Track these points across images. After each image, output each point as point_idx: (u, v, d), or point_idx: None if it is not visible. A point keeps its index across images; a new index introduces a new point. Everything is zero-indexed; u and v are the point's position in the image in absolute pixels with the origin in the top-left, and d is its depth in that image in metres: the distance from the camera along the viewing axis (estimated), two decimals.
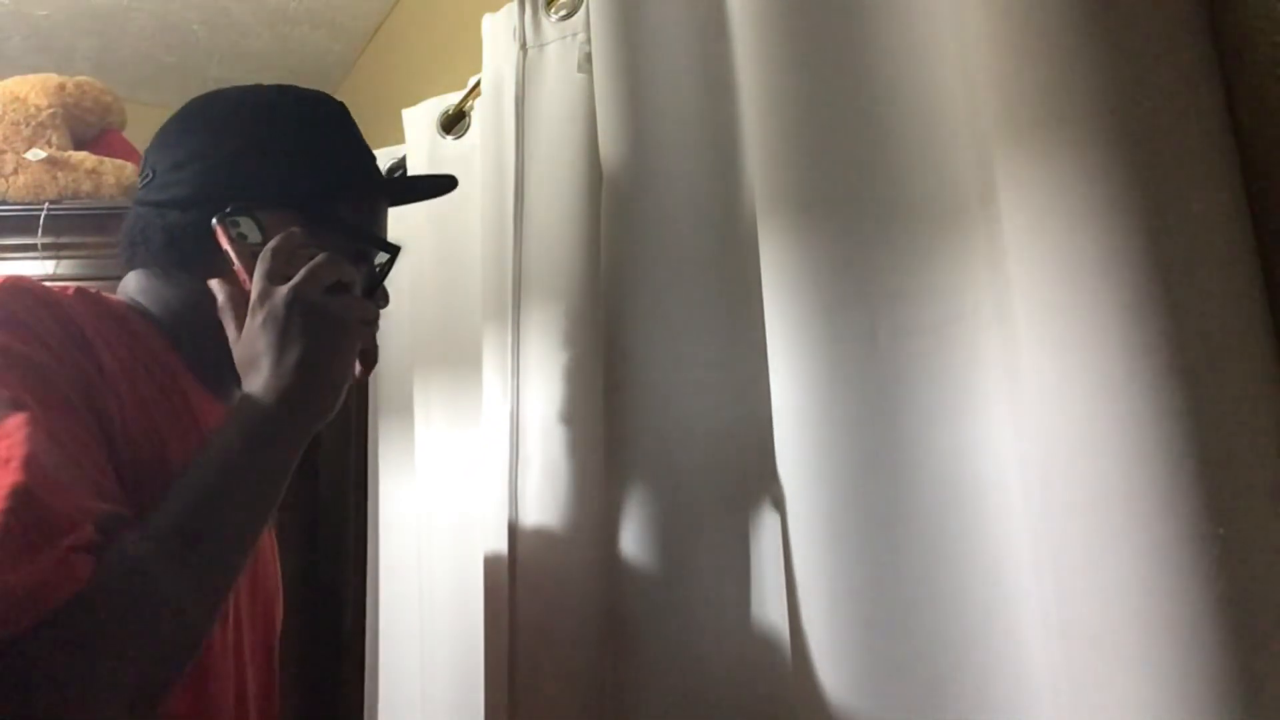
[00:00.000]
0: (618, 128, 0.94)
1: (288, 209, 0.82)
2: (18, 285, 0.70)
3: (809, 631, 0.72)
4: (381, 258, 0.90)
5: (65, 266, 1.62)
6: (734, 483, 0.87)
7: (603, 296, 0.95)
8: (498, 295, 1.13)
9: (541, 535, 1.01)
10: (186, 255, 0.81)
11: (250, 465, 0.69)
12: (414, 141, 1.45)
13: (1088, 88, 0.56)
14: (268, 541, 0.93)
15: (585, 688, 0.95)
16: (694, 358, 0.89)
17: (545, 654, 0.99)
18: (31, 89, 1.72)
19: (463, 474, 1.27)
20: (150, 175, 0.85)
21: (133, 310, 0.81)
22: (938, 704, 0.65)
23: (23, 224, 1.62)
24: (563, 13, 1.12)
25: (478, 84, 1.29)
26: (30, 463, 0.58)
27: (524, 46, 1.13)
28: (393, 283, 1.52)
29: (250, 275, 0.76)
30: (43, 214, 1.61)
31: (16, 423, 0.60)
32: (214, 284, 0.78)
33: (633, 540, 0.89)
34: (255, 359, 0.72)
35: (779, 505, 0.76)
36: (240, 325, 0.75)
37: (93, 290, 0.78)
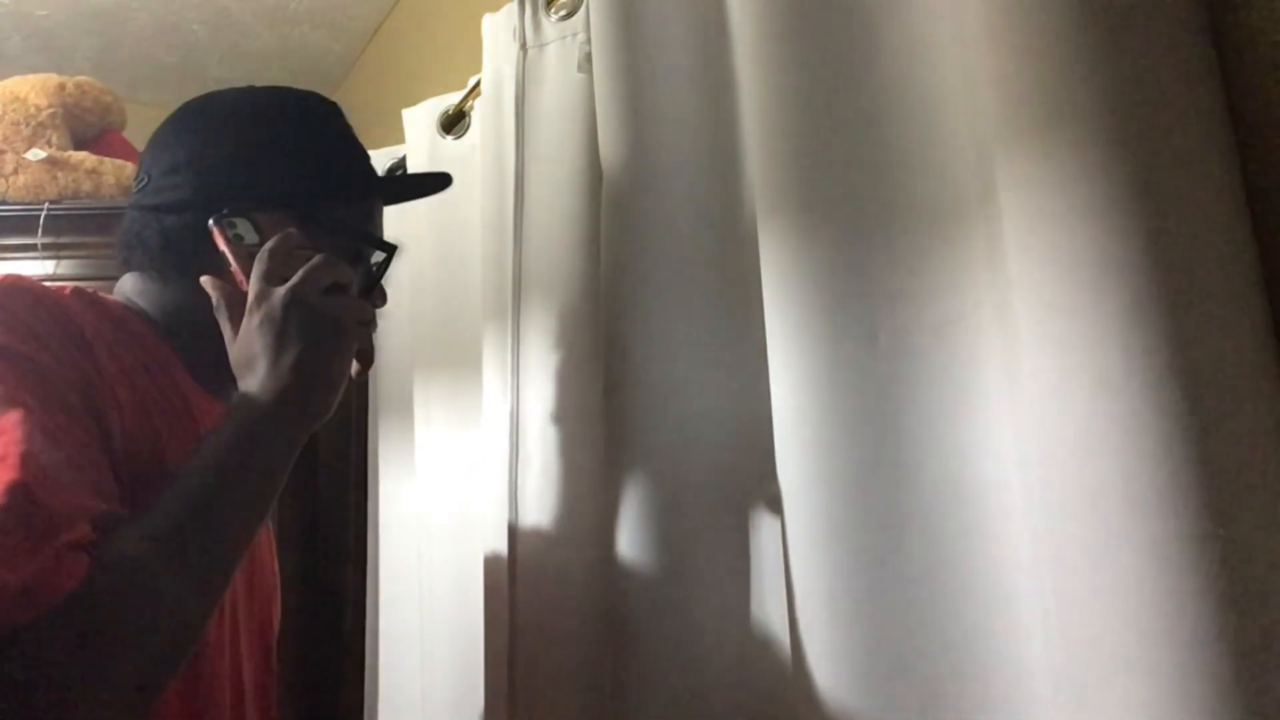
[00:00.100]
0: (618, 128, 0.94)
1: (283, 210, 0.82)
2: (16, 284, 0.70)
3: (809, 631, 0.72)
4: (378, 257, 0.90)
5: (65, 266, 1.62)
6: (734, 482, 0.87)
7: (603, 296, 0.95)
8: (498, 295, 1.13)
9: (541, 535, 1.01)
10: (183, 257, 0.82)
11: (246, 464, 0.69)
12: (414, 141, 1.45)
13: (1088, 88, 0.56)
14: (265, 540, 0.93)
15: (585, 687, 0.95)
16: (694, 357, 0.89)
17: (545, 654, 0.99)
18: (31, 89, 1.72)
19: (463, 474, 1.27)
20: (146, 178, 0.85)
21: (130, 311, 0.82)
22: (938, 704, 0.65)
23: (23, 224, 1.62)
24: (563, 13, 1.12)
25: (478, 84, 1.29)
26: (27, 460, 0.58)
27: (524, 46, 1.13)
28: (392, 283, 1.52)
29: (247, 276, 0.76)
30: (43, 214, 1.61)
31: (13, 420, 0.60)
32: (206, 281, 0.78)
33: (633, 540, 0.89)
34: (252, 359, 0.72)
35: (779, 505, 0.76)
36: (236, 325, 0.76)
37: (90, 290, 0.79)
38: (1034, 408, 0.59)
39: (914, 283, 0.70)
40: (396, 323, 1.51)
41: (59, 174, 1.65)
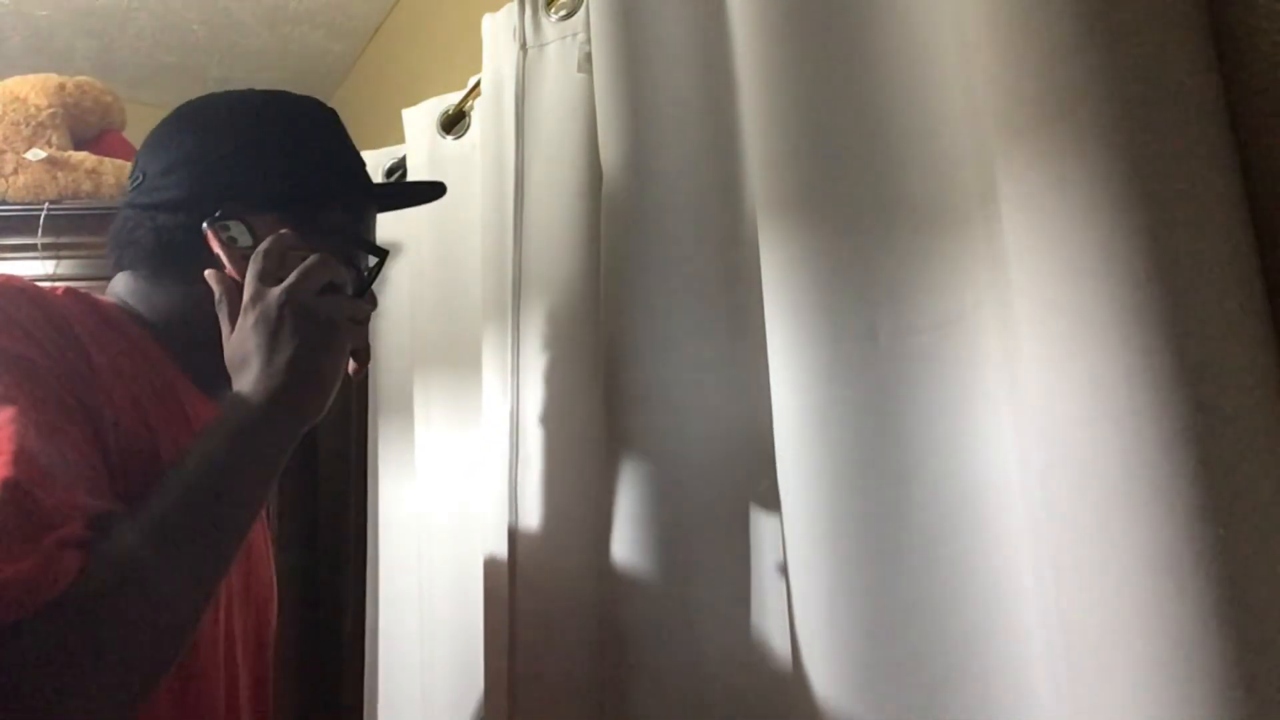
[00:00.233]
0: (618, 128, 0.94)
1: (277, 212, 0.82)
2: (9, 284, 0.71)
3: (809, 630, 0.72)
4: (371, 261, 0.91)
5: (65, 266, 1.62)
6: (734, 482, 0.87)
7: (603, 296, 0.95)
8: (498, 295, 1.13)
9: (541, 535, 1.01)
10: (176, 258, 0.82)
11: (238, 463, 0.69)
12: (414, 141, 1.45)
13: (1088, 87, 0.56)
14: (261, 540, 0.94)
15: (585, 687, 0.95)
16: (694, 357, 0.89)
17: (545, 653, 0.99)
18: (31, 89, 1.72)
19: (463, 474, 1.27)
20: (140, 178, 0.85)
21: (123, 311, 0.82)
22: (938, 705, 0.65)
23: (23, 224, 1.62)
24: (563, 13, 1.12)
25: (478, 84, 1.29)
26: (20, 457, 0.58)
27: (524, 46, 1.13)
28: (392, 283, 1.52)
29: (242, 278, 0.76)
30: (43, 214, 1.61)
31: (7, 418, 0.60)
32: (209, 275, 0.79)
33: (632, 540, 0.89)
34: (246, 358, 0.73)
35: (778, 505, 0.76)
36: (234, 322, 0.76)
37: (83, 291, 0.79)
38: (1034, 407, 0.59)
39: (914, 282, 0.70)
40: (396, 323, 1.51)
41: (59, 174, 1.65)
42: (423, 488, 1.35)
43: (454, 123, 1.41)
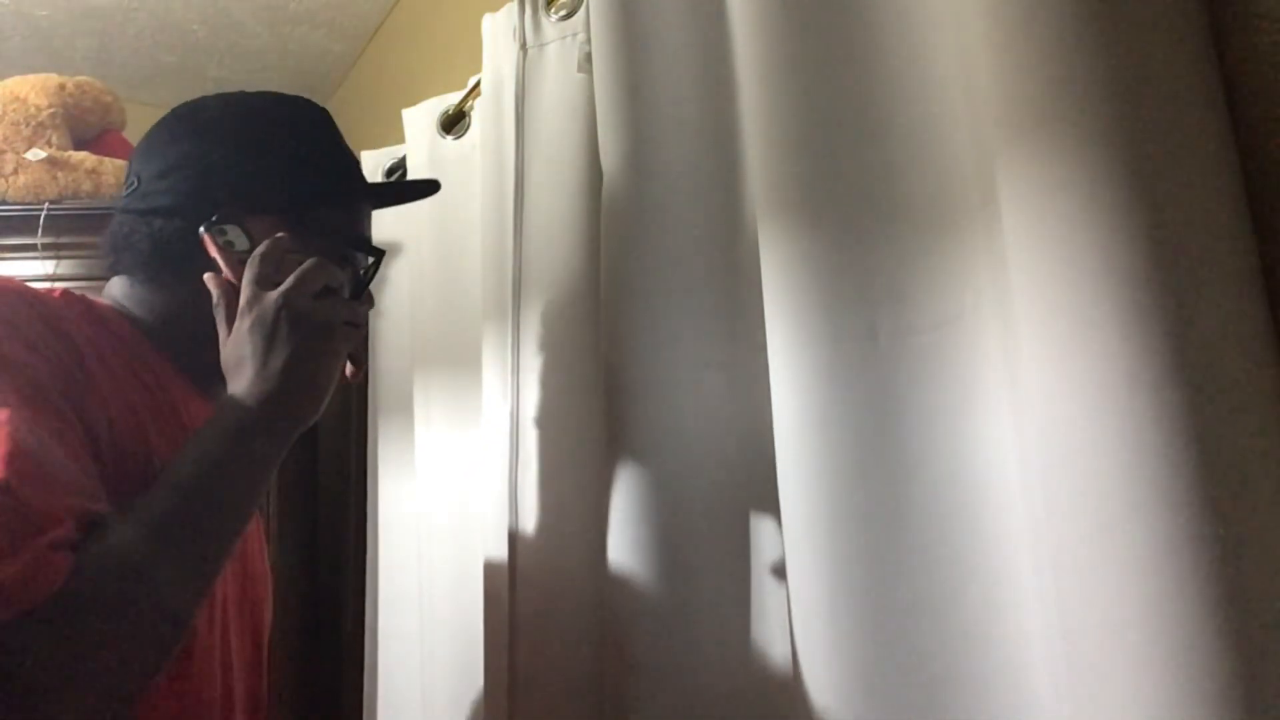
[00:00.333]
0: (617, 127, 0.94)
1: (273, 214, 0.83)
2: (3, 286, 0.71)
3: (809, 629, 0.72)
4: (367, 261, 0.91)
5: (65, 266, 1.62)
6: (733, 482, 0.87)
7: (603, 296, 0.95)
8: (498, 295, 1.13)
9: (541, 535, 1.01)
10: (173, 262, 0.82)
11: (231, 465, 0.70)
12: (414, 141, 1.45)
13: (1088, 88, 0.56)
14: (256, 542, 0.94)
15: (585, 687, 0.95)
16: (694, 357, 0.89)
17: (545, 653, 0.99)
18: (31, 89, 1.72)
19: (463, 474, 1.27)
20: (135, 183, 0.85)
21: (118, 313, 0.82)
22: (938, 705, 0.65)
23: (23, 224, 1.62)
24: (563, 13, 1.12)
25: (478, 84, 1.29)
26: (11, 459, 0.59)
27: (524, 46, 1.13)
28: (392, 283, 1.52)
29: (239, 282, 0.77)
30: (43, 214, 1.61)
31: None
32: (208, 278, 0.79)
33: (632, 540, 0.89)
34: (241, 361, 0.73)
35: (778, 504, 0.76)
36: (231, 326, 0.76)
37: (79, 293, 0.79)
38: (1034, 407, 0.59)
39: (914, 282, 0.70)
40: (396, 323, 1.51)
41: (59, 174, 1.65)
42: (423, 488, 1.35)
43: (454, 123, 1.41)
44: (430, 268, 1.37)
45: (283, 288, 0.74)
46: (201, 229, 0.80)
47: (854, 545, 0.69)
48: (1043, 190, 0.57)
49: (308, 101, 0.93)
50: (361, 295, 0.88)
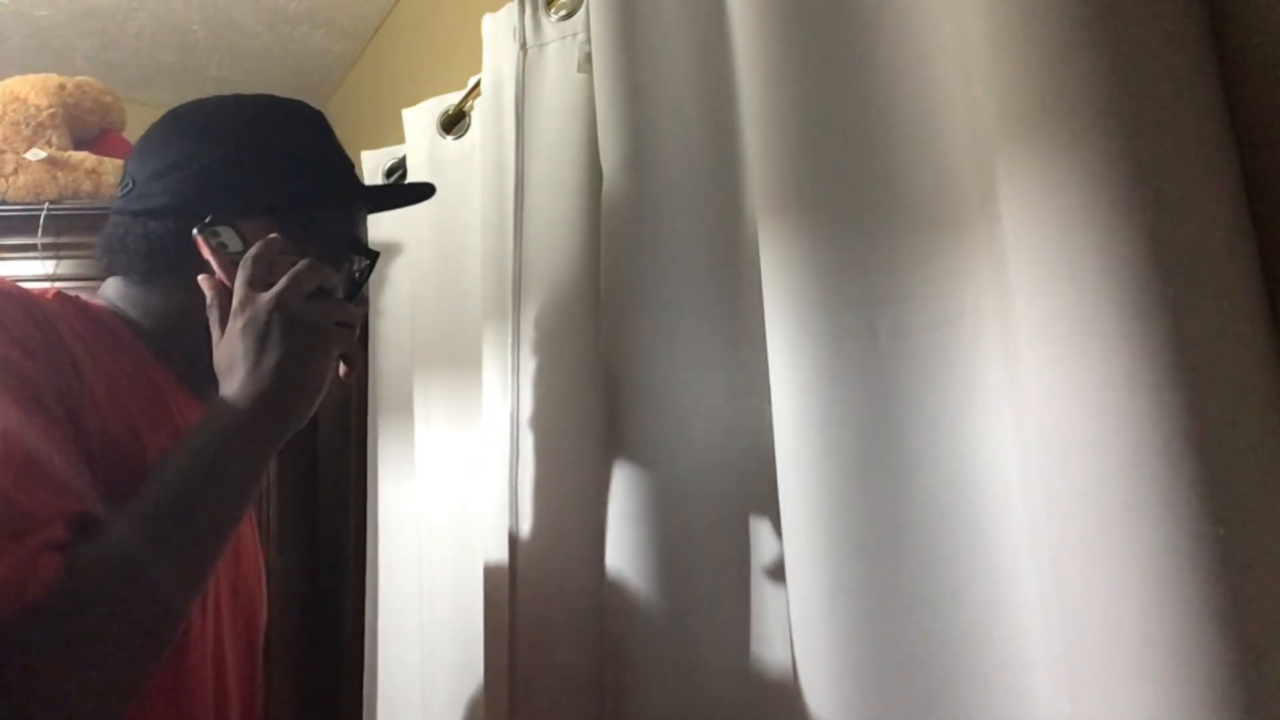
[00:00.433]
0: (617, 127, 0.94)
1: (266, 216, 0.83)
2: None
3: (809, 630, 0.72)
4: (361, 262, 0.91)
5: (65, 266, 1.62)
6: (733, 482, 0.87)
7: (603, 296, 0.95)
8: (498, 295, 1.13)
9: (541, 535, 1.01)
10: (166, 263, 0.83)
11: (221, 466, 0.70)
12: (414, 141, 1.45)
13: (1088, 88, 0.56)
14: (250, 540, 0.94)
15: (585, 687, 0.95)
16: (694, 357, 0.89)
17: (545, 653, 0.99)
18: (31, 89, 1.72)
19: (463, 474, 1.27)
20: (130, 184, 0.86)
21: (113, 315, 0.83)
22: (938, 705, 0.65)
23: (23, 224, 1.62)
24: (563, 13, 1.12)
25: (478, 84, 1.29)
26: (2, 461, 0.59)
27: (524, 46, 1.13)
28: (392, 283, 1.52)
29: (232, 283, 0.77)
30: (43, 214, 1.61)
31: None
32: (202, 280, 0.79)
33: (632, 540, 0.89)
34: (233, 362, 0.73)
35: (778, 504, 0.76)
36: (224, 327, 0.76)
37: (73, 295, 0.79)
38: (1034, 407, 0.59)
39: (914, 282, 0.70)
40: (396, 323, 1.51)
41: (59, 174, 1.65)
42: (423, 488, 1.35)
43: (454, 123, 1.41)
44: (430, 268, 1.37)
45: (275, 289, 0.74)
46: (194, 230, 0.80)
47: (854, 545, 0.69)
48: (1043, 190, 0.57)
49: (302, 104, 0.94)
50: (355, 296, 0.88)
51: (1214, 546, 0.50)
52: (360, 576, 1.59)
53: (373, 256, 0.90)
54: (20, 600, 0.56)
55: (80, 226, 1.61)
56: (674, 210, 0.91)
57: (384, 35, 2.25)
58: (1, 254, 1.63)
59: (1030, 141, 0.58)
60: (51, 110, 1.71)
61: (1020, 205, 0.59)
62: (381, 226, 1.53)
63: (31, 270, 1.60)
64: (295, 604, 1.68)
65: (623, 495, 0.90)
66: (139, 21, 2.18)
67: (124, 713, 0.63)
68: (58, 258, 1.62)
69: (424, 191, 1.02)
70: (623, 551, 0.89)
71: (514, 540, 1.03)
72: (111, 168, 1.69)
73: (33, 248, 1.61)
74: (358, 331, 0.83)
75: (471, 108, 1.36)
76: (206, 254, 0.79)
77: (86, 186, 1.66)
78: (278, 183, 0.86)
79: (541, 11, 1.13)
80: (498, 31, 1.19)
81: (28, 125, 1.67)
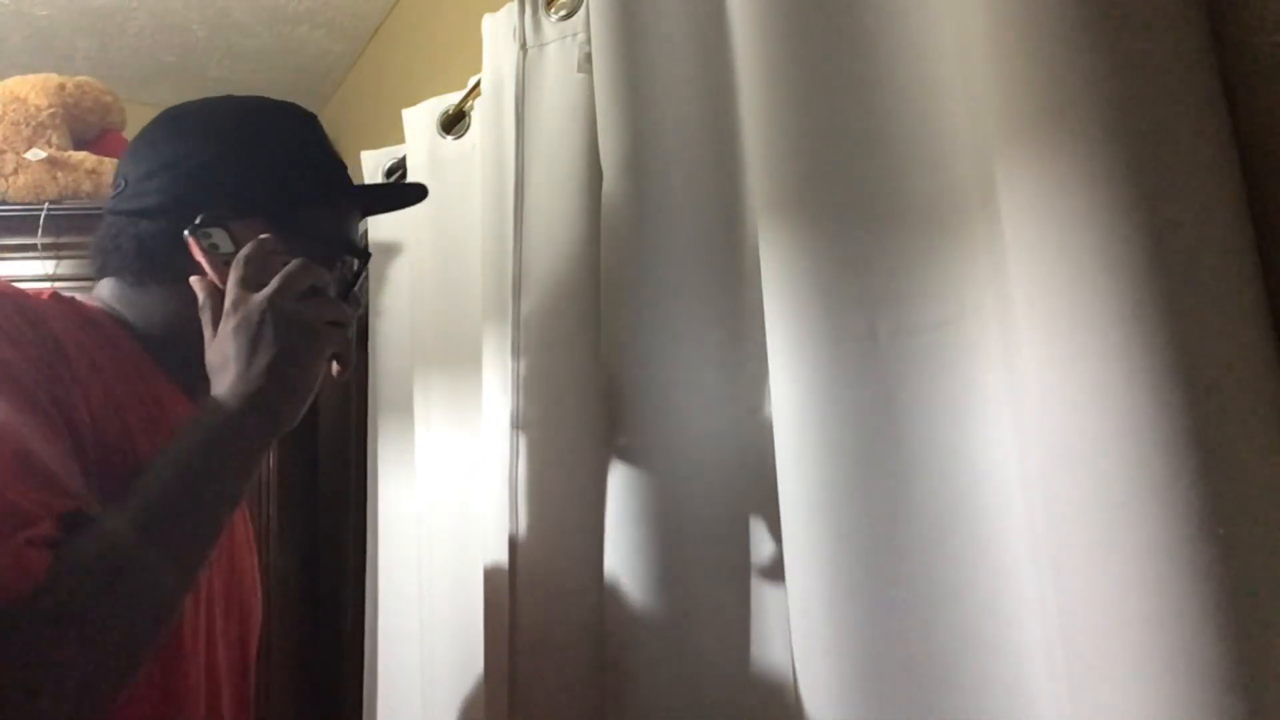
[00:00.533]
0: (617, 127, 0.94)
1: (258, 217, 0.83)
2: None
3: (809, 630, 0.72)
4: (354, 262, 0.91)
5: (65, 266, 1.62)
6: (733, 482, 0.87)
7: (603, 296, 0.95)
8: (498, 295, 1.13)
9: (541, 535, 1.01)
10: (159, 264, 0.83)
11: (211, 465, 0.70)
12: (414, 141, 1.45)
13: (1088, 87, 0.56)
14: (243, 538, 0.94)
15: (585, 687, 0.95)
16: (694, 357, 0.89)
17: (545, 653, 0.99)
18: (31, 89, 1.72)
19: (463, 474, 1.26)
20: (123, 184, 0.86)
21: (106, 315, 0.83)
22: (938, 706, 0.65)
23: (23, 224, 1.62)
24: (563, 13, 1.12)
25: (478, 84, 1.29)
26: None
27: (524, 46, 1.13)
28: (392, 282, 1.52)
29: (224, 284, 0.77)
30: (43, 214, 1.61)
31: None
32: (194, 281, 0.79)
33: (632, 540, 0.89)
34: (225, 362, 0.74)
35: (778, 505, 0.76)
36: (216, 327, 0.76)
37: (68, 295, 0.80)
38: (1034, 407, 0.59)
39: (914, 282, 0.70)
40: (396, 323, 1.51)
41: (59, 174, 1.65)
42: (423, 488, 1.35)
43: (454, 123, 1.41)
44: (430, 268, 1.37)
45: (267, 290, 0.74)
46: (185, 231, 0.80)
47: (854, 545, 0.69)
48: (1043, 190, 0.57)
49: (294, 105, 0.94)
50: (348, 297, 0.88)
51: (1214, 546, 0.50)
52: (360, 576, 1.59)
53: (365, 257, 0.90)
54: (8, 596, 0.57)
55: (80, 227, 1.61)
56: (674, 210, 0.91)
57: (384, 35, 2.25)
58: (1, 254, 1.63)
59: (1030, 141, 0.58)
60: (51, 110, 1.71)
61: (1020, 205, 0.59)
62: (381, 226, 1.54)
63: (31, 270, 1.60)
64: (295, 604, 1.68)
65: (622, 495, 0.90)
66: (139, 21, 2.18)
67: (114, 707, 0.64)
68: (57, 258, 1.62)
69: (417, 193, 1.02)
70: (622, 551, 0.89)
71: (514, 540, 1.03)
72: (111, 168, 1.69)
73: (33, 248, 1.61)
74: (351, 331, 0.83)
75: (471, 108, 1.36)
76: (198, 255, 0.79)
77: (86, 186, 1.66)
78: (269, 183, 0.86)
79: (541, 11, 1.13)
80: (498, 31, 1.19)
81: (28, 125, 1.67)
